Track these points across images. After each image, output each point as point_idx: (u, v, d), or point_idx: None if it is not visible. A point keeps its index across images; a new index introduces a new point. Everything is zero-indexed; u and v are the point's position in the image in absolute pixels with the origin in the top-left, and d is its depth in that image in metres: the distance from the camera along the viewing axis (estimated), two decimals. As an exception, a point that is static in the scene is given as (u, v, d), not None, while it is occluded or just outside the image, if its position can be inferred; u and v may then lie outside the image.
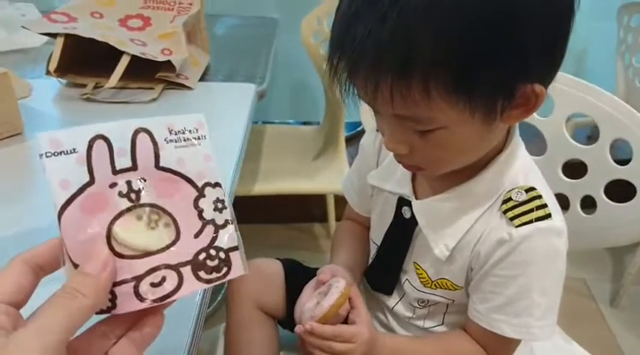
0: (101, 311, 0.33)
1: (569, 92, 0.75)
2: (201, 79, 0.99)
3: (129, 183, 0.36)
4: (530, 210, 0.57)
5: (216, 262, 0.36)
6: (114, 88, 0.88)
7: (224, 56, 1.16)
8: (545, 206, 0.57)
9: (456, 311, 0.68)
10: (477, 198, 0.60)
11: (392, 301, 0.72)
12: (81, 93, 0.88)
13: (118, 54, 0.90)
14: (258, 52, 1.26)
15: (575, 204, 0.78)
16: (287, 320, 0.78)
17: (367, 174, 0.73)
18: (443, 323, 0.69)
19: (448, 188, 0.61)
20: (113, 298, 0.34)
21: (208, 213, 0.37)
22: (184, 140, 0.38)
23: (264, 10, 1.67)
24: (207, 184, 0.38)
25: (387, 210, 0.69)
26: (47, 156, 0.33)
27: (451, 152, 0.54)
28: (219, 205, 0.38)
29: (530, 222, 0.56)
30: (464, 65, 0.45)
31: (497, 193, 0.59)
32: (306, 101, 1.94)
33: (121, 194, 0.35)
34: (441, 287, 0.65)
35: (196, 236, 0.37)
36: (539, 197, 0.58)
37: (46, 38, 1.14)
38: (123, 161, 0.35)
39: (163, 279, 0.35)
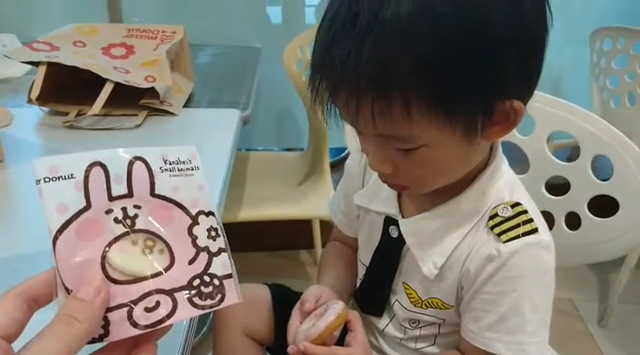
0: (93, 340, 0.32)
1: (549, 111, 0.76)
2: (185, 106, 0.99)
3: (124, 209, 0.36)
4: (517, 226, 0.57)
5: (210, 289, 0.36)
6: (97, 115, 0.88)
7: (208, 84, 1.17)
8: (531, 220, 0.58)
9: (449, 332, 0.67)
10: (463, 215, 0.60)
11: (382, 322, 0.71)
12: (63, 121, 0.88)
13: (100, 82, 0.89)
14: (242, 79, 1.27)
15: (560, 221, 0.78)
16: (276, 346, 0.77)
17: (353, 194, 0.73)
18: (435, 344, 0.68)
19: (434, 206, 0.61)
20: (106, 325, 0.33)
21: (202, 241, 0.38)
22: (178, 170, 0.39)
23: (247, 40, 1.69)
24: (200, 212, 0.38)
25: (374, 230, 0.69)
26: (45, 182, 0.33)
27: (435, 170, 0.54)
28: (213, 233, 0.38)
29: (517, 237, 0.56)
30: (441, 84, 0.46)
31: (484, 209, 0.59)
32: (290, 128, 1.96)
33: (116, 220, 0.35)
34: (431, 307, 0.65)
35: (190, 262, 0.37)
36: (525, 212, 0.58)
37: (27, 68, 1.14)
38: (119, 188, 0.36)
39: (157, 304, 0.34)
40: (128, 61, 0.99)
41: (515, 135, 0.80)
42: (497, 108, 0.50)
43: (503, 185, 0.60)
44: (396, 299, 0.68)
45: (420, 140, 0.50)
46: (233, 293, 0.37)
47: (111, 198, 0.35)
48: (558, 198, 0.79)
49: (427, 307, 0.65)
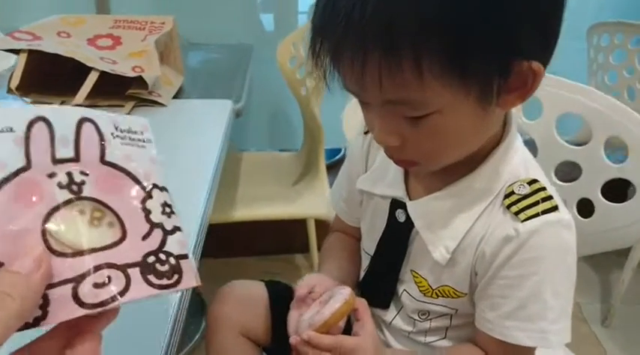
0: (26, 326, 0.27)
1: (557, 93, 0.73)
2: (175, 98, 0.95)
3: (69, 174, 0.32)
4: (536, 203, 0.53)
5: (166, 267, 0.33)
6: (81, 105, 0.82)
7: (198, 80, 1.13)
8: (550, 197, 0.54)
9: (461, 323, 0.62)
10: (476, 194, 0.56)
11: (389, 315, 0.67)
12: (45, 112, 0.83)
13: (85, 73, 0.85)
14: (234, 75, 1.23)
15: (572, 209, 0.74)
16: (274, 347, 0.72)
17: (356, 179, 0.69)
18: (446, 337, 0.64)
19: (444, 186, 0.57)
20: (44, 305, 0.28)
21: (156, 216, 0.34)
22: (130, 139, 0.35)
23: (239, 38, 1.66)
24: (154, 186, 0.35)
25: (378, 216, 0.65)
26: None
27: (446, 141, 0.50)
28: (168, 209, 0.35)
29: (537, 215, 0.53)
30: (455, 40, 0.43)
31: (498, 188, 0.56)
32: (284, 129, 1.92)
33: (60, 185, 0.31)
34: (443, 296, 0.60)
35: (144, 238, 0.33)
36: (544, 189, 0.54)
37: (9, 64, 1.09)
38: (64, 150, 0.32)
39: (109, 280, 0.30)
40: (115, 52, 0.95)
41: (522, 119, 0.76)
42: (514, 70, 0.46)
43: (518, 162, 0.56)
44: (404, 289, 0.63)
45: (431, 105, 0.46)
46: (191, 275, 0.34)
47: (55, 161, 0.31)
48: (569, 184, 0.75)
49: (438, 296, 0.60)
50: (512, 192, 0.54)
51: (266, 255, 1.80)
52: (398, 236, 0.62)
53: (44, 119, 0.31)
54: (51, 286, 0.28)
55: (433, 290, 0.60)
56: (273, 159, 1.63)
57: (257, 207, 1.28)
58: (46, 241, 0.29)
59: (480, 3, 0.42)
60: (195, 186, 0.66)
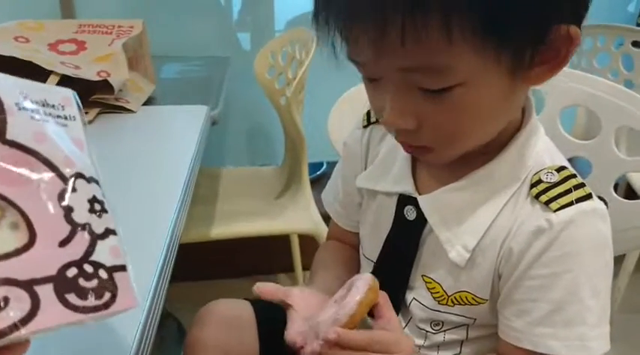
0: None
1: (560, 84, 0.68)
2: (146, 105, 0.88)
3: None
4: (568, 191, 0.47)
5: (94, 283, 0.25)
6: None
7: (173, 90, 1.06)
8: (583, 185, 0.48)
9: (478, 336, 0.55)
10: (497, 185, 0.50)
11: None
12: None
13: (44, 79, 0.77)
14: (210, 85, 1.17)
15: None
16: (262, 374, 0.64)
17: (353, 178, 0.62)
18: (461, 353, 0.56)
19: (461, 177, 0.51)
20: None
21: (81, 215, 0.26)
22: (45, 114, 0.27)
23: (214, 51, 1.60)
24: (78, 175, 0.27)
25: (383, 217, 0.58)
26: None
27: (468, 119, 0.44)
28: (97, 207, 0.27)
29: (571, 204, 0.46)
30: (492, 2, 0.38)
31: (522, 176, 0.50)
32: (264, 144, 1.86)
33: None
34: (459, 303, 0.53)
35: (63, 244, 0.25)
36: (574, 175, 0.49)
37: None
38: None
39: (5, 302, 0.22)
40: (78, 57, 0.88)
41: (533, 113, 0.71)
42: (550, 36, 0.41)
43: (543, 148, 0.51)
44: (414, 298, 0.56)
45: (456, 74, 0.40)
46: (128, 292, 0.26)
47: None
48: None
49: (454, 304, 0.53)
50: (540, 181, 0.49)
51: (247, 276, 1.70)
52: (407, 237, 0.55)
53: None
54: None
55: (449, 296, 0.53)
56: (254, 173, 1.56)
57: (236, 223, 1.20)
58: None
59: None
60: (164, 198, 0.58)
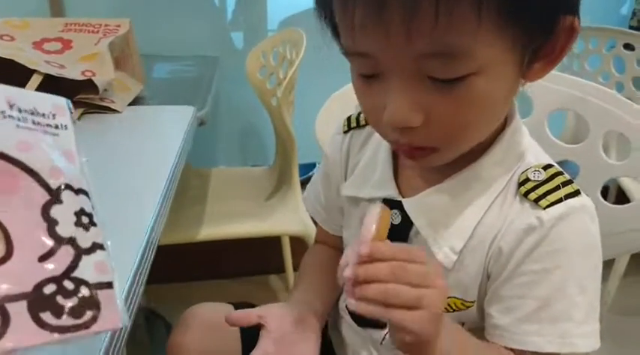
0: None
1: (547, 87, 0.67)
2: (132, 105, 0.87)
3: None
4: (557, 188, 0.47)
5: (74, 301, 0.24)
6: (22, 112, 0.74)
7: (161, 89, 1.05)
8: (570, 181, 0.48)
9: None
10: (482, 185, 0.49)
11: (380, 333, 0.58)
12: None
13: (27, 77, 0.76)
14: (198, 84, 1.16)
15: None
16: (244, 379, 0.63)
17: (334, 184, 0.62)
18: None
19: (445, 177, 0.50)
20: None
21: (66, 228, 0.25)
22: (33, 123, 0.27)
23: (205, 51, 1.59)
24: (66, 187, 0.26)
25: None
26: None
27: (477, 112, 0.43)
28: (85, 220, 0.26)
29: (560, 200, 0.46)
30: None
31: (509, 175, 0.49)
32: (255, 144, 1.85)
33: None
34: (448, 310, 0.52)
35: (42, 259, 0.24)
36: (561, 173, 0.49)
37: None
38: None
39: None
40: (63, 56, 0.86)
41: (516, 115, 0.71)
42: (555, 27, 0.42)
43: (527, 147, 0.51)
44: None
45: (475, 61, 0.39)
46: (114, 311, 0.25)
47: None
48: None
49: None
50: (528, 179, 0.48)
51: (238, 277, 1.70)
52: (393, 241, 0.54)
53: None
54: None
55: None
56: (244, 174, 1.55)
57: (225, 225, 1.19)
58: None
59: None
60: (145, 197, 0.57)
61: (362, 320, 0.60)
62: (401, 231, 0.53)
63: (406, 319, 0.39)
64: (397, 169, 0.55)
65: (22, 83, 0.76)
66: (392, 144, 0.50)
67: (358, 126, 0.62)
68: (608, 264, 1.44)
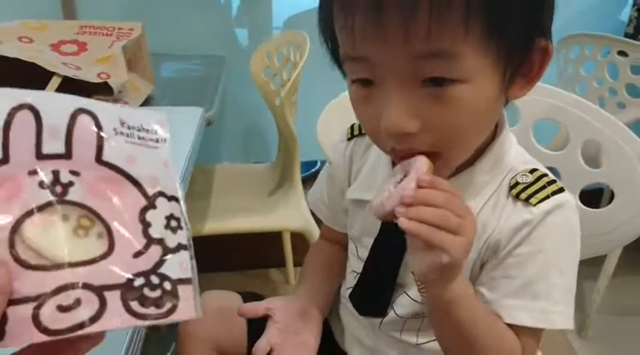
0: None
1: (533, 98, 0.72)
2: (143, 106, 0.92)
3: (56, 173, 0.28)
4: (543, 187, 0.53)
5: (158, 293, 0.28)
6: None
7: (170, 89, 1.09)
8: (555, 181, 0.54)
9: None
10: (475, 189, 0.55)
11: (378, 320, 0.63)
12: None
13: (46, 79, 0.81)
14: (206, 84, 1.20)
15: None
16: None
17: (338, 186, 0.67)
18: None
19: None
20: (2, 322, 0.25)
21: (157, 230, 0.30)
22: (139, 138, 0.31)
23: (212, 50, 1.63)
24: (160, 194, 0.31)
25: (371, 223, 0.62)
26: None
27: (467, 118, 0.47)
28: (174, 223, 0.31)
29: (548, 197, 0.52)
30: (496, 6, 0.43)
31: (500, 179, 0.55)
32: (258, 141, 1.89)
33: (42, 185, 0.27)
34: None
35: (136, 255, 0.29)
36: (546, 175, 0.55)
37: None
38: (53, 144, 0.28)
39: (77, 303, 0.26)
40: (79, 58, 0.91)
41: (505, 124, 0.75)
42: (532, 48, 0.47)
43: (515, 155, 0.57)
44: (404, 291, 0.60)
45: (465, 67, 0.44)
46: (189, 304, 0.29)
47: (40, 155, 0.27)
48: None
49: None
50: (517, 183, 0.54)
51: (239, 270, 1.75)
52: (395, 240, 0.59)
53: (30, 107, 0.27)
54: (13, 302, 0.25)
55: None
56: (248, 170, 1.60)
57: (229, 219, 1.24)
58: (12, 248, 0.25)
59: None
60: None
61: (363, 308, 0.65)
62: (401, 231, 0.57)
63: (448, 241, 0.44)
64: None
65: (41, 83, 0.81)
66: (390, 154, 0.53)
67: (360, 133, 0.66)
68: (597, 264, 1.49)
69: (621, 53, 1.49)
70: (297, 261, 1.67)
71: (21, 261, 0.26)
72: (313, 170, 1.95)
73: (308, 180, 1.83)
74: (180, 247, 0.30)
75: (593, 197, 0.74)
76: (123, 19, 1.64)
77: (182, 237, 0.31)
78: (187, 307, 0.29)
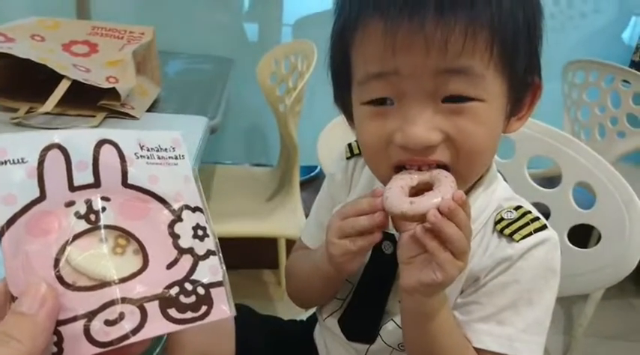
0: None
1: (530, 134, 0.73)
2: (149, 111, 0.93)
3: (88, 202, 0.30)
4: (526, 224, 0.55)
5: (192, 299, 0.31)
6: (50, 113, 0.81)
7: (175, 91, 1.11)
8: (538, 218, 0.56)
9: None
10: (473, 217, 0.56)
11: (365, 346, 0.64)
12: (11, 118, 0.80)
13: (57, 79, 0.83)
14: (212, 88, 1.22)
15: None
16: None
17: (337, 204, 0.67)
18: None
19: None
20: (59, 341, 0.27)
21: (186, 241, 0.32)
22: (159, 158, 0.33)
23: (221, 50, 1.65)
24: (185, 207, 0.33)
25: None
26: None
27: (485, 131, 0.49)
28: (200, 232, 0.33)
29: (530, 234, 0.54)
30: (512, 38, 0.48)
31: (487, 215, 0.57)
32: (260, 144, 1.91)
33: (77, 214, 0.30)
34: None
35: (169, 266, 0.31)
36: (529, 212, 0.56)
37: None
38: (83, 176, 0.30)
39: (121, 316, 0.28)
40: (90, 60, 0.93)
41: (495, 159, 0.77)
42: (531, 83, 0.52)
43: (501, 192, 0.59)
44: (391, 319, 0.62)
45: (484, 86, 0.48)
46: (222, 304, 0.31)
47: (73, 188, 0.30)
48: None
49: None
50: (502, 219, 0.56)
51: (232, 269, 1.76)
52: (385, 268, 0.61)
53: (59, 146, 0.30)
54: (63, 322, 0.27)
55: None
56: (248, 173, 1.61)
57: (227, 223, 1.26)
58: (59, 273, 0.28)
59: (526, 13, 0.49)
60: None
61: (351, 333, 0.66)
62: (391, 261, 0.58)
63: (449, 261, 0.46)
64: None
65: (50, 84, 0.82)
66: (387, 170, 0.53)
67: (360, 152, 0.67)
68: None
69: (625, 82, 1.50)
70: (291, 264, 1.69)
71: (68, 285, 0.28)
72: (313, 174, 1.97)
73: (307, 184, 1.85)
74: (209, 253, 0.33)
75: (584, 233, 0.75)
76: (136, 14, 1.66)
77: (210, 243, 0.33)
78: (221, 308, 0.31)
